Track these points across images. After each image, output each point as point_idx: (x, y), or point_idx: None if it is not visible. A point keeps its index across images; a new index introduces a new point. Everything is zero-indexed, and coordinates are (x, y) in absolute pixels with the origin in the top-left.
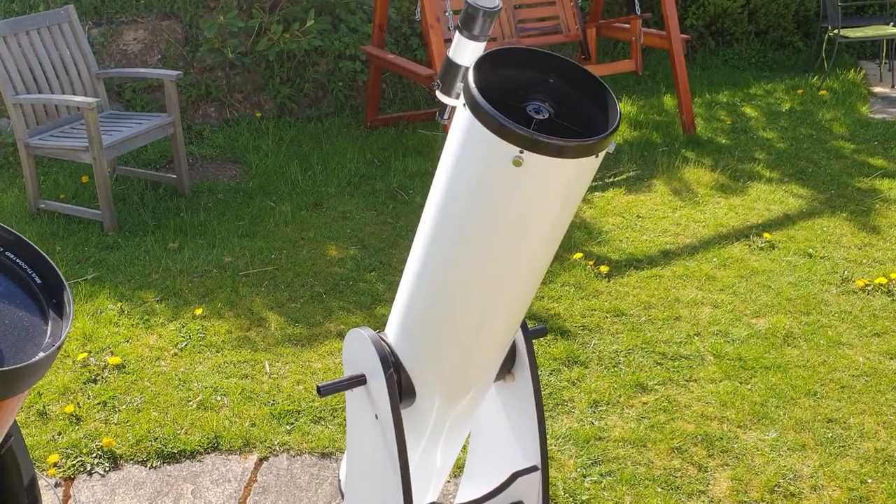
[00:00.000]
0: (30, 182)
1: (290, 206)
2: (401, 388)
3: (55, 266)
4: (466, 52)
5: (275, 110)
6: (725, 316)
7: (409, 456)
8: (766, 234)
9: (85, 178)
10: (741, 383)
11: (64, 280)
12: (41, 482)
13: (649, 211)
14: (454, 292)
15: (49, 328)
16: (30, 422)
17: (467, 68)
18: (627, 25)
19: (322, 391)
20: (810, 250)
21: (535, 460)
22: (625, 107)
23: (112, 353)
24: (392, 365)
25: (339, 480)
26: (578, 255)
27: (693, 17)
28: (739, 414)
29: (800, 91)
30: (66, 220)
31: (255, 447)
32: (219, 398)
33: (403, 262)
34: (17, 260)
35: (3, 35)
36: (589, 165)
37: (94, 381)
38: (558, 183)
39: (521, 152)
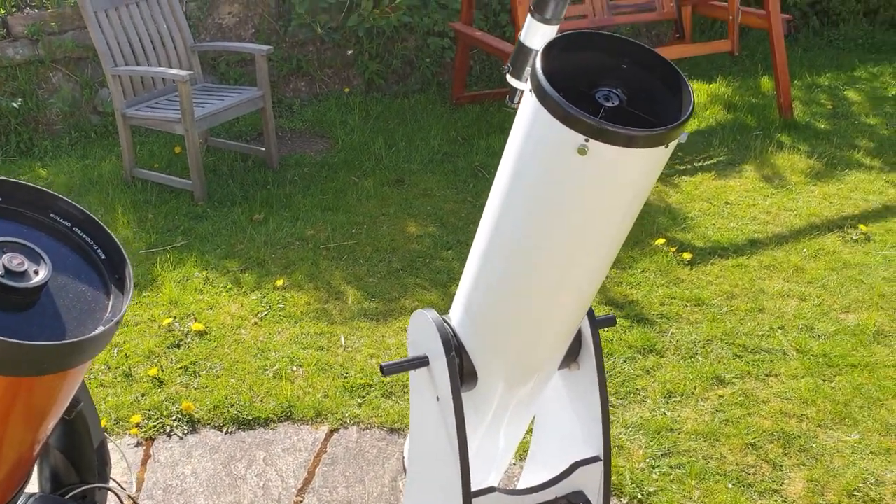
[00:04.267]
0: (126, 151)
1: (373, 181)
2: (462, 372)
3: (119, 243)
4: (537, 35)
5: (363, 86)
6: (812, 310)
7: (470, 438)
8: (861, 226)
9: (178, 149)
10: (824, 381)
11: (126, 257)
12: (120, 443)
13: (739, 197)
14: (517, 279)
15: (111, 303)
16: (116, 382)
17: (537, 52)
18: (725, 3)
19: (385, 370)
20: None
21: (598, 451)
22: (719, 88)
23: (196, 319)
24: (454, 348)
25: (404, 457)
26: (661, 241)
27: None
28: (820, 412)
29: None
30: (159, 188)
31: (326, 418)
32: (294, 368)
33: None
34: (84, 236)
35: (104, 8)
36: (658, 156)
37: (178, 346)
38: (625, 173)
39: (587, 140)
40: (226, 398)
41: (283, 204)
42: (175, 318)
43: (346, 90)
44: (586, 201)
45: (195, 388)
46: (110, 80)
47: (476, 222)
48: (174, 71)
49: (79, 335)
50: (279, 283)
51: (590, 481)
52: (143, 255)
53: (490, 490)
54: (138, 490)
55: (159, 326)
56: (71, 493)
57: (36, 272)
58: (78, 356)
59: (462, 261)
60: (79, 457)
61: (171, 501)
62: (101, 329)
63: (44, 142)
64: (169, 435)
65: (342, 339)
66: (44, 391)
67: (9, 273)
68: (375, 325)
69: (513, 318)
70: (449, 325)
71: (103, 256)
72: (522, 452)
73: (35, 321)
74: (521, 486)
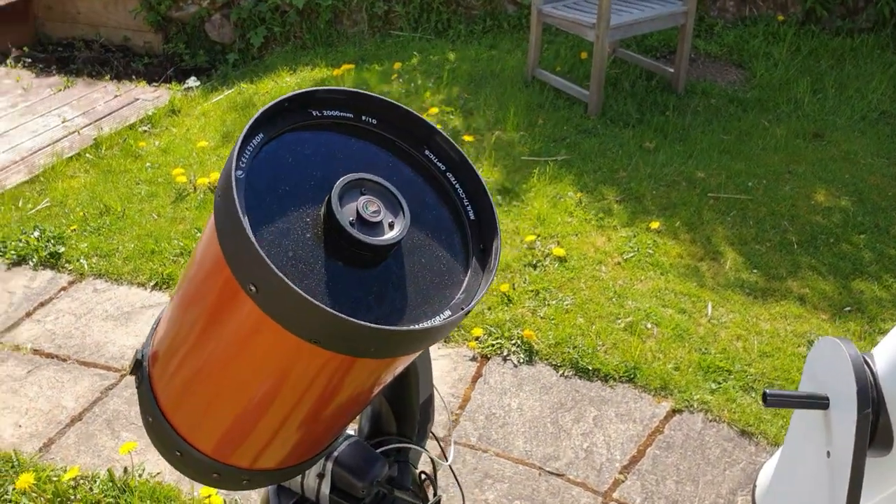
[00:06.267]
0: (533, 48)
1: (786, 130)
2: (874, 432)
3: (493, 205)
4: None
5: (800, 15)
6: None
7: None
8: None
9: (583, 55)
10: None
11: (499, 226)
12: (456, 352)
13: None
14: None
15: (465, 280)
16: None
17: None
18: None
19: (768, 400)
20: None
21: None
22: None
23: (558, 243)
24: (872, 402)
25: (755, 488)
26: None
27: None
28: None
29: None
30: (555, 94)
31: (671, 394)
32: (649, 326)
33: None
34: (457, 185)
35: None
36: None
37: (534, 267)
38: None
39: None
40: (569, 337)
41: (678, 136)
42: (539, 236)
43: (780, 18)
44: None
45: (541, 317)
46: None
47: None
48: None
49: (419, 317)
50: (654, 224)
51: None
52: (522, 162)
53: None
54: (461, 408)
55: (521, 241)
56: (384, 448)
57: (391, 225)
58: (411, 345)
59: (876, 251)
60: (402, 408)
61: (491, 432)
62: (446, 317)
63: (459, 25)
64: (504, 359)
65: (709, 307)
66: (367, 373)
67: (360, 222)
68: (751, 302)
69: None
70: (871, 367)
71: (472, 217)
72: None
73: (374, 285)
74: None
